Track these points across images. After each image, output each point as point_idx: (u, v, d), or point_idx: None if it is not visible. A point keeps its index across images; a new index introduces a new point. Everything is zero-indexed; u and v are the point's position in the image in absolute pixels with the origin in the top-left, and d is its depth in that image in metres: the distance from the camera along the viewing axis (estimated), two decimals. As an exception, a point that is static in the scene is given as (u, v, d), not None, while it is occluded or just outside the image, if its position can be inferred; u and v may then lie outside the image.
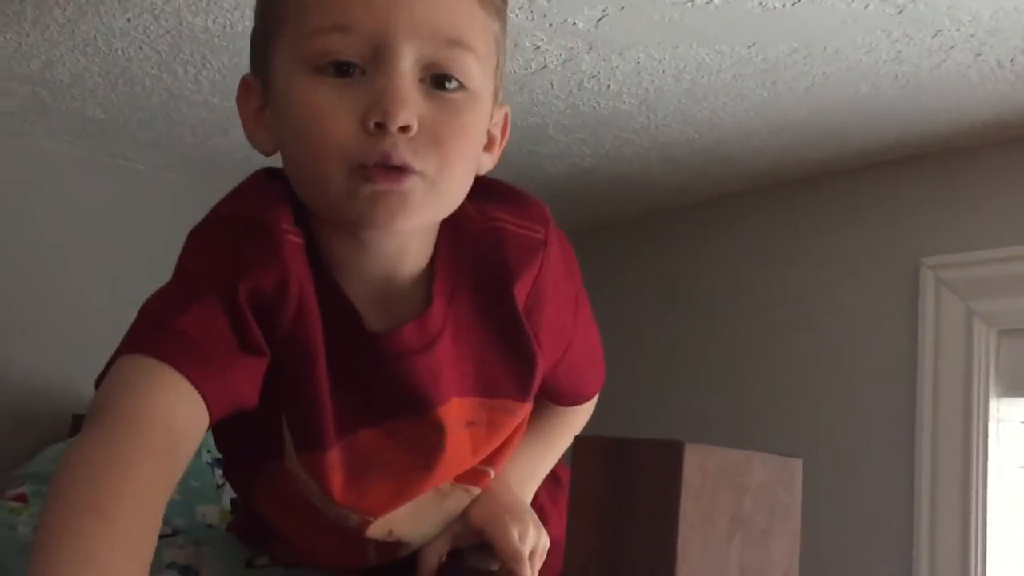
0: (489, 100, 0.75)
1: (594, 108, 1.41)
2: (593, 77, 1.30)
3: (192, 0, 1.16)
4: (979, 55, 1.15)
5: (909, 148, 1.49)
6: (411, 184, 0.69)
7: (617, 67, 1.26)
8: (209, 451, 1.22)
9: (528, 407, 0.84)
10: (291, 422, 0.77)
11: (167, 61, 1.35)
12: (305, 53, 0.69)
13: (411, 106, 0.68)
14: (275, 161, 0.76)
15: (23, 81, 1.47)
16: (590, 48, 1.21)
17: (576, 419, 0.93)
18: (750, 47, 1.18)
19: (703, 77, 1.28)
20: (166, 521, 0.65)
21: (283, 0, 0.72)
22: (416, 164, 0.68)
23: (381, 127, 0.67)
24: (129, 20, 1.23)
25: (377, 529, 0.82)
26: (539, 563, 0.84)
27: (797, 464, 0.65)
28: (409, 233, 0.73)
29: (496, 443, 0.84)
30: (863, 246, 1.57)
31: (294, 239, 0.73)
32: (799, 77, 1.26)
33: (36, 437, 1.66)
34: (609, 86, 1.32)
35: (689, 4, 1.08)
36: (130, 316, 0.71)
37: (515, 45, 1.19)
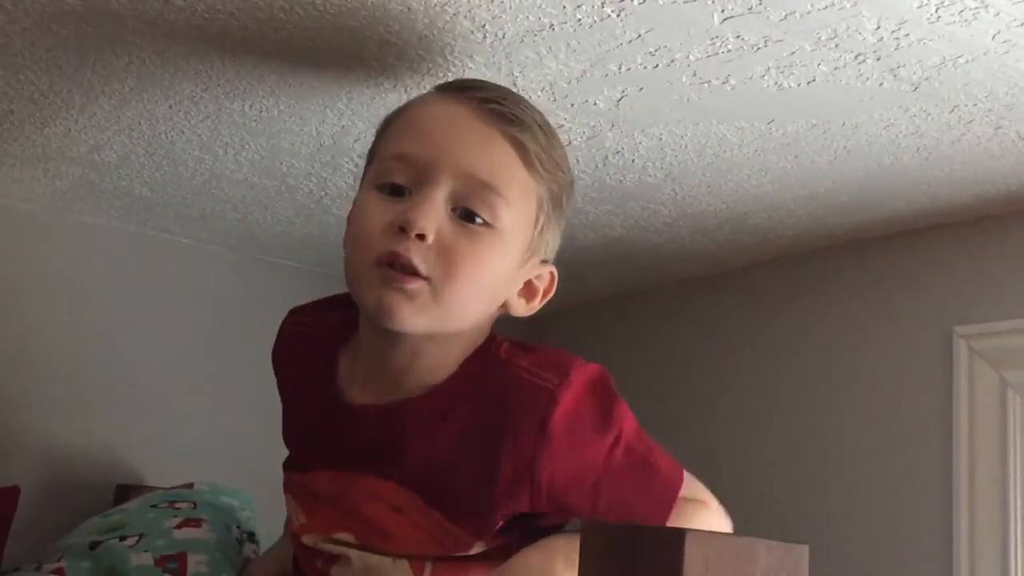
0: (518, 246, 0.88)
1: (620, 181, 1.43)
2: (617, 152, 1.32)
3: (229, 88, 1.21)
4: (999, 128, 1.16)
5: (937, 217, 1.49)
6: (417, 286, 0.83)
7: (640, 143, 1.29)
8: (239, 526, 1.25)
9: (457, 533, 0.88)
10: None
11: (208, 143, 1.41)
12: (376, 174, 0.88)
13: (431, 220, 0.83)
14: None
15: (72, 163, 1.54)
16: (612, 126, 1.24)
17: None
18: (769, 123, 1.20)
19: (725, 151, 1.30)
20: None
21: (379, 138, 0.93)
22: (423, 269, 0.83)
23: (403, 231, 0.83)
24: (171, 107, 1.29)
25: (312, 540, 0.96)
26: None
27: (802, 550, 0.66)
28: (418, 337, 0.86)
29: (420, 543, 0.90)
30: (894, 314, 1.56)
31: (302, 330, 1.01)
32: (821, 151, 1.27)
33: (80, 506, 1.70)
34: (633, 161, 1.35)
35: (706, 85, 1.10)
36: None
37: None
